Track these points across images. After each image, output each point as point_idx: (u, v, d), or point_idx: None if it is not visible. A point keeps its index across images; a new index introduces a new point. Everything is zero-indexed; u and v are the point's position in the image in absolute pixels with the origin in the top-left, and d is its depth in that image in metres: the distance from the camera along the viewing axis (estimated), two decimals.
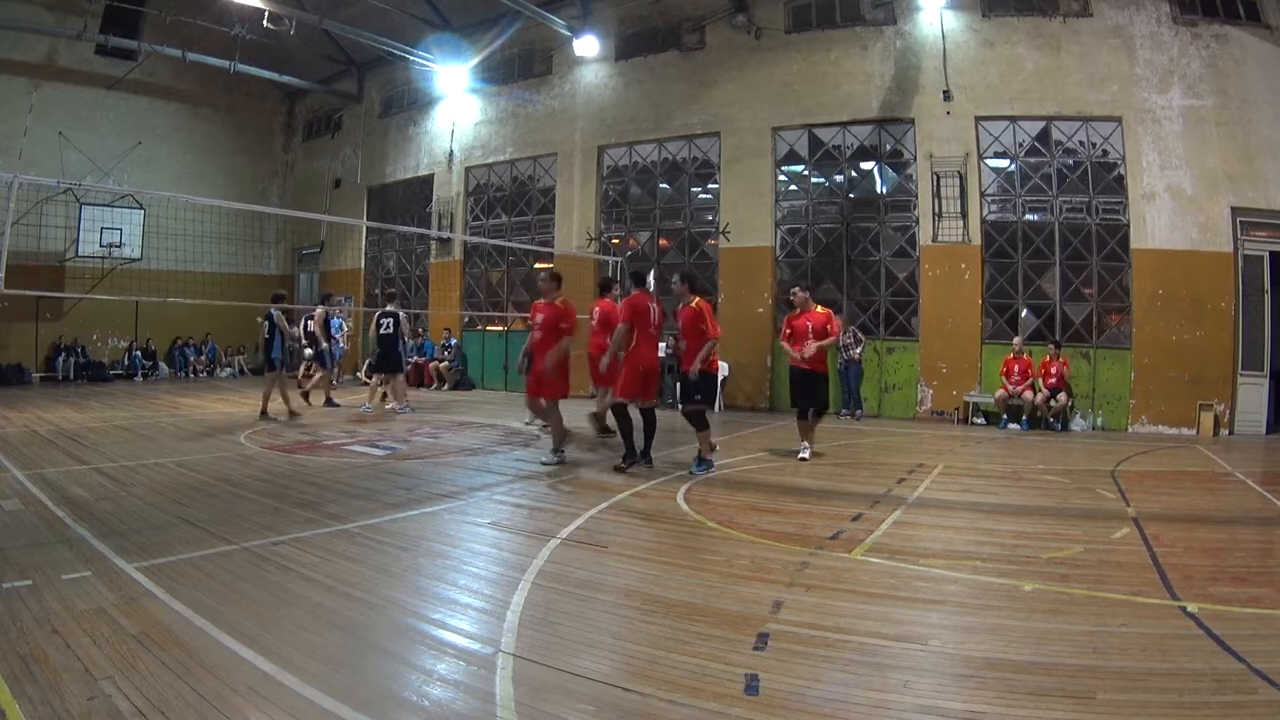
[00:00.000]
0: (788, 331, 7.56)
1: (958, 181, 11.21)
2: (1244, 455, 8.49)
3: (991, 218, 11.35)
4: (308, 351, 12.53)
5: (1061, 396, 10.30)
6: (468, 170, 16.18)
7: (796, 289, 7.72)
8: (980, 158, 11.32)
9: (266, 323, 10.01)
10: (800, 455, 7.42)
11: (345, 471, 6.55)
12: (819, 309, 7.58)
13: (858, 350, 11.51)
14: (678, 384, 12.53)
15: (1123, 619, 3.30)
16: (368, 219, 17.29)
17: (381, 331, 10.67)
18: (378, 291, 13.36)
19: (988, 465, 7.61)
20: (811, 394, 7.43)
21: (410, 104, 17.42)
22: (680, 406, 6.78)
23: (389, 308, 10.92)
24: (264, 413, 9.81)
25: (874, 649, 2.99)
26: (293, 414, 9.84)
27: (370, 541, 4.40)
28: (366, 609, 3.34)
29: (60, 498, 5.17)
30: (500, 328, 15.52)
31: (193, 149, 17.82)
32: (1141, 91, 10.42)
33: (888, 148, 12.06)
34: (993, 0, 11.27)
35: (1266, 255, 10.12)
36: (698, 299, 6.68)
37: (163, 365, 17.18)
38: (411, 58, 15.35)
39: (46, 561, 3.77)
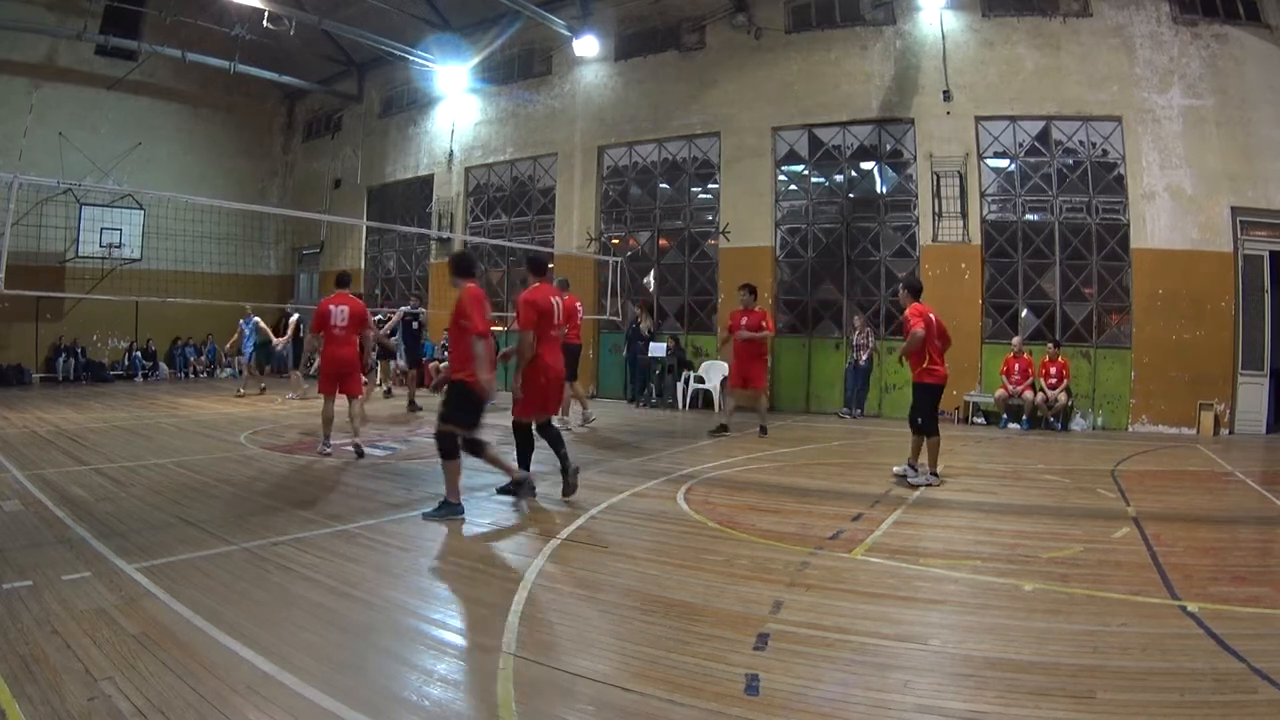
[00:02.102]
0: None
1: (958, 181, 11.21)
2: (1244, 455, 8.49)
3: (991, 218, 11.34)
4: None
5: (1061, 396, 10.30)
6: (468, 170, 16.18)
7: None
8: (980, 158, 11.31)
9: (414, 321, 11.41)
10: (925, 482, 6.34)
11: (345, 472, 6.55)
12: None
13: (866, 355, 11.51)
14: (677, 384, 12.66)
15: (1123, 619, 3.31)
16: (368, 219, 17.28)
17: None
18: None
19: (988, 465, 7.61)
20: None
21: (410, 104, 17.41)
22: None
23: None
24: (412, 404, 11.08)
25: (874, 649, 2.99)
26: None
27: (370, 541, 4.40)
28: (367, 609, 3.34)
29: (60, 498, 5.17)
30: (500, 328, 15.50)
31: (193, 149, 17.79)
32: (1141, 91, 10.42)
33: (888, 148, 12.05)
34: (993, 0, 11.27)
35: (1266, 255, 10.11)
36: (470, 284, 5.11)
37: (163, 365, 17.16)
38: (411, 58, 15.34)
39: (46, 562, 3.77)
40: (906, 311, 6.53)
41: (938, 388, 6.44)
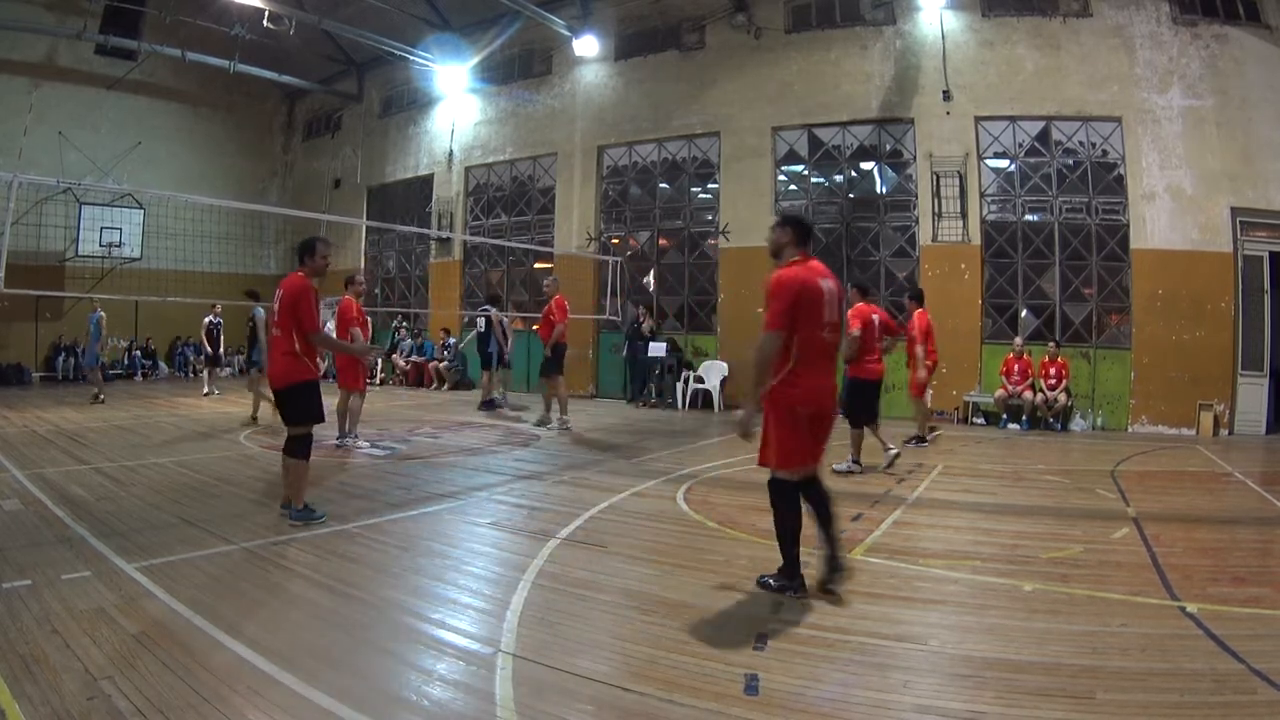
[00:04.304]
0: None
1: (957, 181, 11.21)
2: (1244, 455, 8.49)
3: (991, 218, 11.34)
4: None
5: (1061, 396, 10.30)
6: (467, 170, 16.18)
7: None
8: (980, 158, 11.31)
9: (483, 320, 11.50)
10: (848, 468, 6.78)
11: (345, 471, 6.56)
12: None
13: None
14: (677, 384, 12.67)
15: (1123, 619, 3.31)
16: (367, 219, 17.29)
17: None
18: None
19: (988, 465, 7.61)
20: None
21: (410, 104, 17.42)
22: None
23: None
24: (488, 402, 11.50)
25: (874, 649, 2.99)
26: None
27: (370, 541, 4.40)
28: (366, 609, 3.34)
29: (60, 498, 5.17)
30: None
31: (193, 149, 17.81)
32: (1141, 91, 10.42)
33: (887, 148, 12.05)
34: (993, 0, 11.27)
35: (1266, 255, 10.11)
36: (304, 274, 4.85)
37: (162, 365, 17.18)
38: (411, 57, 15.35)
39: (46, 561, 3.77)
40: (849, 312, 6.84)
41: (869, 383, 6.94)
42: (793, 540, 3.60)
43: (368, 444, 7.85)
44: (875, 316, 7.01)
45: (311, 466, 4.94)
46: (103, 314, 11.86)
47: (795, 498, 3.60)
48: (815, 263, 3.69)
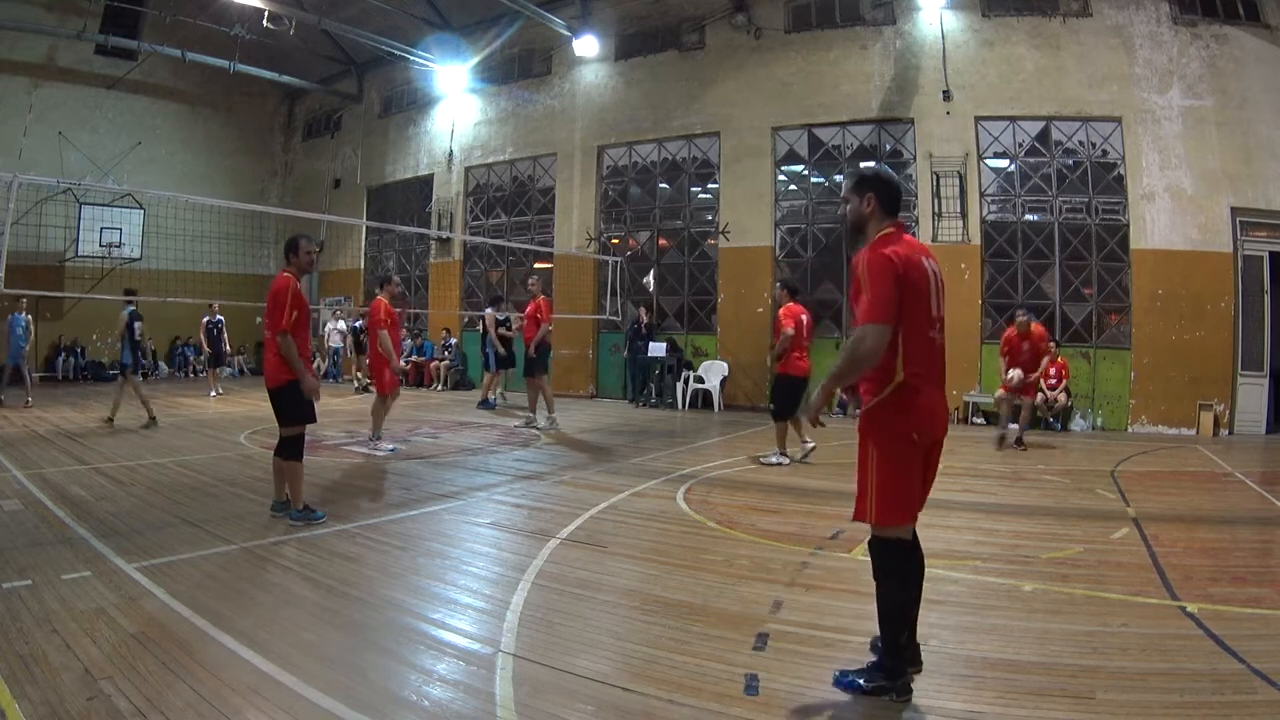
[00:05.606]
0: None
1: (957, 181, 11.21)
2: (1244, 455, 8.49)
3: (991, 218, 11.34)
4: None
5: (1061, 396, 10.30)
6: (467, 170, 16.18)
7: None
8: (980, 158, 11.32)
9: (481, 323, 11.91)
10: (778, 461, 7.16)
11: (345, 471, 6.56)
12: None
13: None
14: (677, 384, 12.66)
15: (1123, 619, 3.31)
16: (367, 219, 17.29)
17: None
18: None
19: (987, 465, 7.61)
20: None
21: (410, 104, 17.42)
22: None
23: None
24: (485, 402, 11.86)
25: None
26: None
27: (370, 541, 4.40)
28: (366, 609, 3.34)
29: (60, 498, 5.17)
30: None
31: (192, 149, 17.81)
32: (1141, 91, 10.43)
33: (887, 148, 12.06)
34: (992, 0, 11.27)
35: (1266, 255, 10.12)
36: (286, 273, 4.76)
37: (162, 365, 17.17)
38: (411, 57, 15.35)
39: (46, 561, 3.77)
40: (780, 311, 7.29)
41: (798, 380, 7.21)
42: (900, 623, 2.64)
43: (391, 446, 7.64)
44: (804, 316, 7.29)
45: (313, 466, 4.94)
46: (28, 316, 11.19)
47: (909, 564, 2.72)
48: (911, 237, 2.76)
